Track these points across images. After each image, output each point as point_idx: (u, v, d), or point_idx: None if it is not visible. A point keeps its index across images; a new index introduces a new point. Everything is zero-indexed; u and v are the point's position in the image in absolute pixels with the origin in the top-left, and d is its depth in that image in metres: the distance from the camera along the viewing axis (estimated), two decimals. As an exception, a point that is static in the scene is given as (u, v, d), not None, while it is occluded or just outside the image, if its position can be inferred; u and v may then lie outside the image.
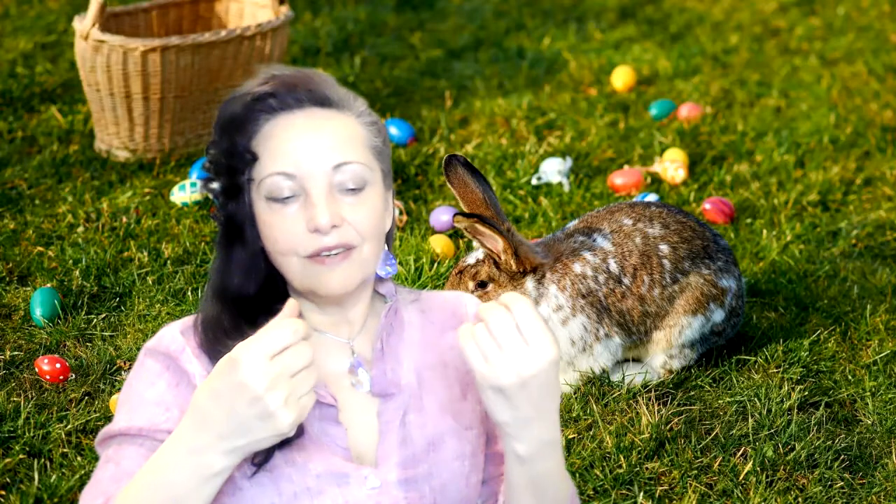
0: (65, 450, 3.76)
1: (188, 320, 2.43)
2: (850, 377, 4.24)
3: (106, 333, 4.35)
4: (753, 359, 4.30)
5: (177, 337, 2.40)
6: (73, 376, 4.13)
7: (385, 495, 2.40)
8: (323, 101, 2.39)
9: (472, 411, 2.51)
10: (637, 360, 4.32)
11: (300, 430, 2.38)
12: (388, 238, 2.51)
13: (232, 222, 2.40)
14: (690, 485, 3.71)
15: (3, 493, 3.60)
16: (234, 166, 2.37)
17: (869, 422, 4.03)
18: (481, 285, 4.11)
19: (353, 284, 2.40)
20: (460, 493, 2.47)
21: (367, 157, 2.40)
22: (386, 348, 2.48)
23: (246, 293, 2.40)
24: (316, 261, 2.36)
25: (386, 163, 2.47)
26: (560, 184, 5.42)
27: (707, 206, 5.22)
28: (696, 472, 3.77)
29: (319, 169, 2.34)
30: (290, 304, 2.22)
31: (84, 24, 5.45)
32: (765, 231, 5.09)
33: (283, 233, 2.35)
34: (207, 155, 2.42)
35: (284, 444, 2.36)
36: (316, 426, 2.41)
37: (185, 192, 5.20)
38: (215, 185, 2.41)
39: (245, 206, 2.38)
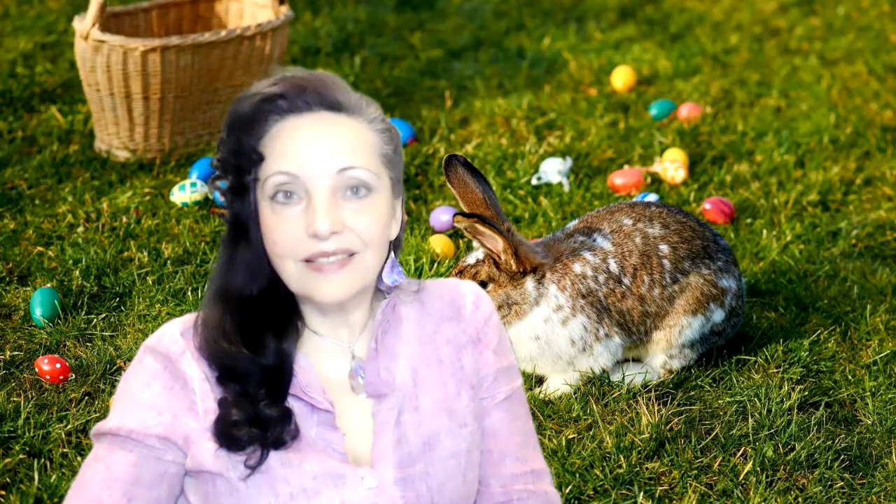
0: (65, 450, 3.76)
1: (189, 320, 2.42)
2: (850, 377, 4.24)
3: (106, 333, 4.35)
4: (753, 359, 4.30)
5: (177, 338, 2.40)
6: (73, 376, 4.13)
7: (382, 495, 2.40)
8: (333, 105, 2.37)
9: (466, 408, 2.51)
10: (637, 360, 4.32)
11: (296, 433, 2.38)
12: (396, 246, 2.49)
13: (237, 221, 2.39)
14: (690, 485, 3.71)
15: (3, 493, 3.60)
16: (240, 165, 2.35)
17: (869, 422, 4.03)
18: (481, 285, 4.11)
19: (351, 293, 2.38)
20: (457, 490, 2.47)
21: (375, 163, 2.38)
22: (380, 347, 2.47)
23: (248, 294, 2.39)
24: (313, 267, 2.34)
25: (396, 171, 2.44)
26: (560, 184, 5.42)
27: (707, 206, 5.22)
28: (696, 472, 3.77)
29: (323, 172, 2.33)
30: None
31: (84, 24, 5.45)
32: (765, 231, 5.09)
33: (283, 236, 2.34)
34: (217, 153, 2.41)
35: (281, 446, 2.36)
36: (314, 431, 2.40)
37: (185, 192, 5.19)
38: (222, 184, 2.39)
39: (250, 206, 2.37)
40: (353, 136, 2.36)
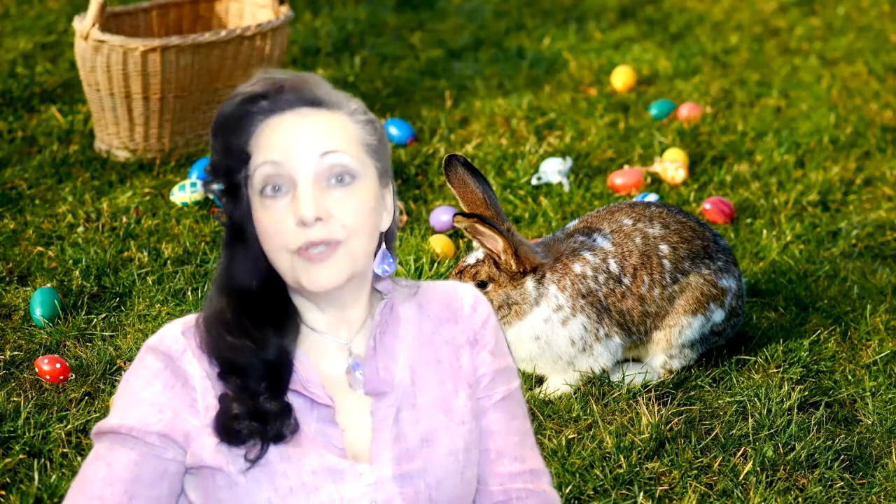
0: (65, 450, 3.76)
1: (190, 320, 2.46)
2: (850, 377, 4.24)
3: (106, 333, 4.36)
4: (753, 359, 4.30)
5: (178, 337, 2.43)
6: (73, 376, 4.13)
7: (380, 491, 2.42)
8: (313, 102, 2.43)
9: (464, 407, 2.53)
10: (637, 360, 4.32)
11: (296, 428, 2.41)
12: (389, 237, 2.52)
13: (233, 223, 2.44)
14: (690, 485, 3.71)
15: (3, 493, 3.60)
16: (230, 166, 2.41)
17: (869, 422, 4.03)
18: (481, 285, 4.12)
19: (341, 280, 2.41)
20: (455, 488, 2.49)
21: (358, 151, 2.43)
22: (379, 346, 2.50)
23: (249, 288, 2.42)
24: (303, 256, 2.39)
25: (382, 161, 2.49)
26: (560, 184, 5.42)
27: (707, 206, 5.22)
28: (696, 472, 3.77)
29: (306, 158, 2.38)
30: None
31: (84, 24, 5.45)
32: (765, 231, 5.09)
33: (274, 228, 2.38)
34: (210, 158, 2.47)
35: (280, 441, 2.39)
36: (313, 427, 2.43)
37: (185, 192, 5.19)
38: (216, 187, 2.44)
39: (244, 205, 2.41)
40: (334, 125, 2.42)
